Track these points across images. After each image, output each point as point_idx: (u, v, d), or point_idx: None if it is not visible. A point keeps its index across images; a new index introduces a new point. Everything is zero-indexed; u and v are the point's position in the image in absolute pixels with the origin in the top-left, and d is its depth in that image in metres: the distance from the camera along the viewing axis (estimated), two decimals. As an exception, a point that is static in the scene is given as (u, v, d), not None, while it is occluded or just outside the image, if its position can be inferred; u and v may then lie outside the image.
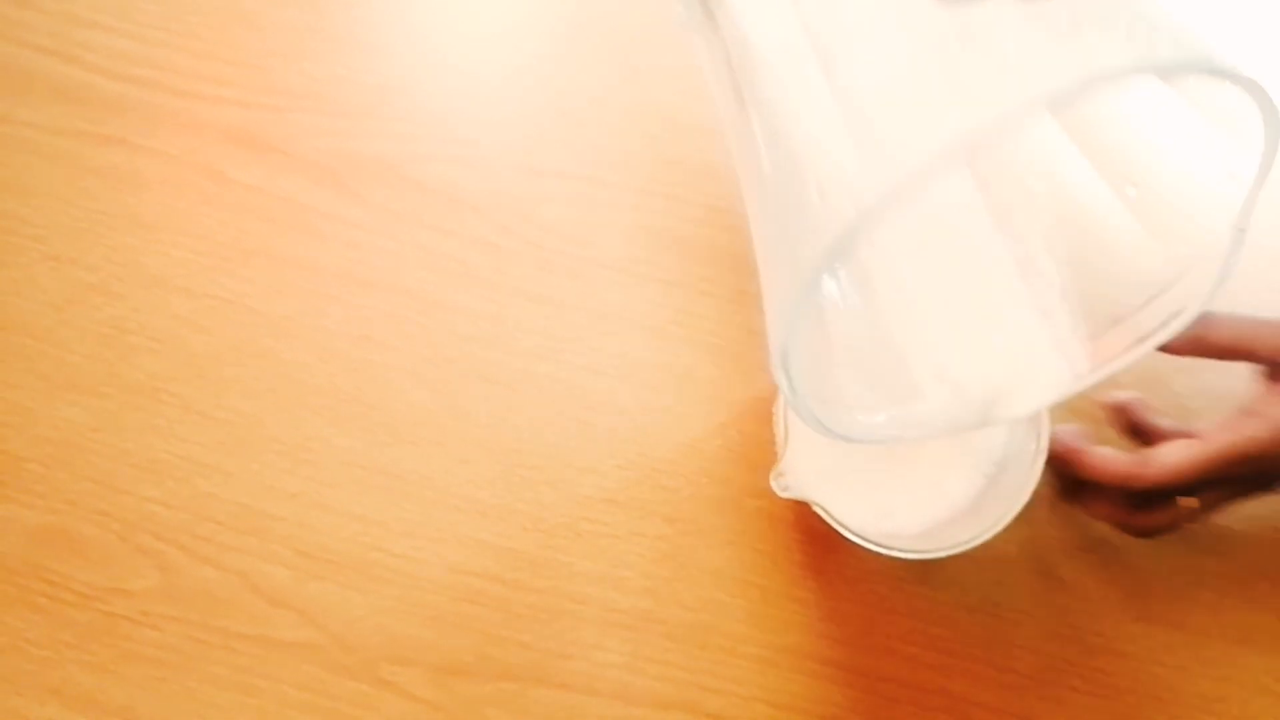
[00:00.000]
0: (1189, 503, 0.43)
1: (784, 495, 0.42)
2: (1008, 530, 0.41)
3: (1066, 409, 0.41)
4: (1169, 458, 0.42)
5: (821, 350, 0.33)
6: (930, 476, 0.45)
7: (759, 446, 0.49)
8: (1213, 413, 0.43)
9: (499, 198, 0.52)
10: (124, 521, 0.47)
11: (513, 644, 0.46)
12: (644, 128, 0.54)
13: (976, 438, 0.45)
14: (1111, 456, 0.43)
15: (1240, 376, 0.44)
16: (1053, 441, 0.43)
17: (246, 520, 0.47)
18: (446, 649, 0.46)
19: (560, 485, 0.48)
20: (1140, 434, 0.46)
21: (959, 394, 0.37)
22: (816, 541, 0.48)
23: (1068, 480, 0.45)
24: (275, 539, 0.47)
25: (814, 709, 0.46)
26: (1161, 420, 0.46)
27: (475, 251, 0.51)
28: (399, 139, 0.53)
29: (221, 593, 0.47)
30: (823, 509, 0.42)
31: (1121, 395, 0.47)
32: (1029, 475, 0.43)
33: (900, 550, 0.43)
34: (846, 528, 0.42)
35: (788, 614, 0.47)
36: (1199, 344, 0.41)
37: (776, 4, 0.32)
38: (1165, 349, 0.36)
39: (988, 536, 0.42)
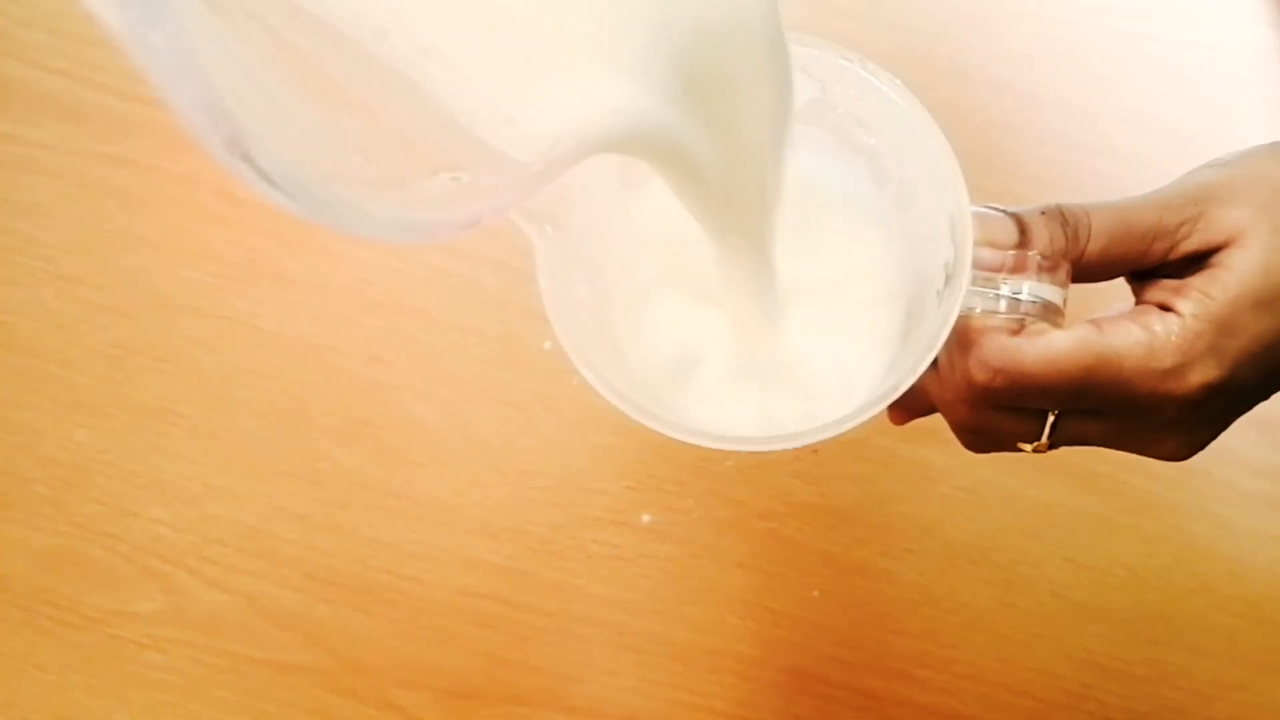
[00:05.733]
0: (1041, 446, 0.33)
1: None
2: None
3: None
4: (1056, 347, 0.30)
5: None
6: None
7: (769, 467, 0.49)
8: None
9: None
10: (131, 544, 0.47)
11: (522, 667, 0.46)
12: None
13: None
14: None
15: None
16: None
17: (254, 542, 0.47)
18: (455, 672, 0.46)
19: (570, 507, 0.48)
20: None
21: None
22: (828, 564, 0.48)
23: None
24: (283, 561, 0.47)
25: (826, 733, 0.46)
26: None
27: (485, 271, 0.51)
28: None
29: (229, 615, 0.46)
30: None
31: None
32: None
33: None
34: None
35: (799, 637, 0.47)
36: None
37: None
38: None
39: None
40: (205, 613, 0.46)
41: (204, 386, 0.49)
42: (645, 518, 0.48)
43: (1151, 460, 0.48)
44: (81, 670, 0.45)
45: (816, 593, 0.47)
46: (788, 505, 0.48)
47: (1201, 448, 0.32)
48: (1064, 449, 0.49)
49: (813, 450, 0.49)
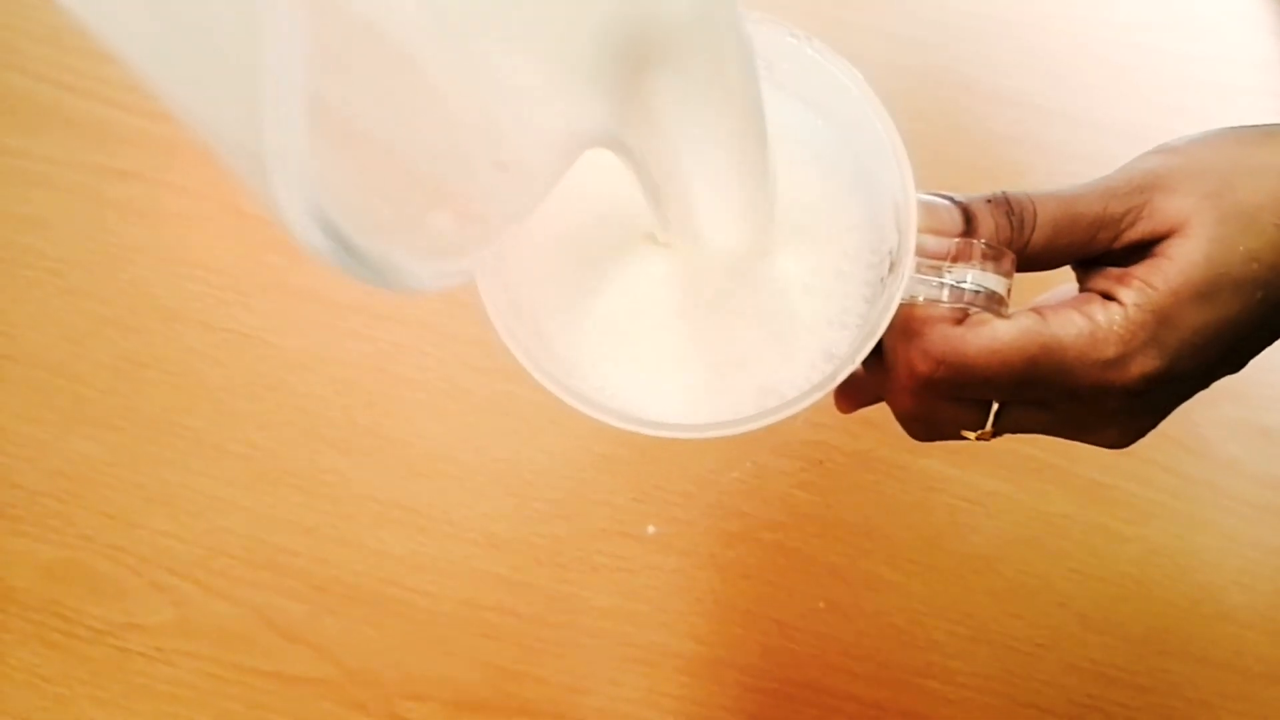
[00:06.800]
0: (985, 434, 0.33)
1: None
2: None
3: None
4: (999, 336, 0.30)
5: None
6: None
7: (775, 478, 0.49)
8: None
9: (513, 231, 0.52)
10: (138, 556, 0.47)
11: (528, 679, 0.46)
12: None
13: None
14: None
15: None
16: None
17: (261, 554, 0.47)
18: (462, 684, 0.46)
19: (575, 519, 0.48)
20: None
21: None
22: (833, 575, 0.48)
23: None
24: (290, 573, 0.47)
25: (832, 745, 0.46)
26: None
27: (490, 284, 0.51)
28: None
29: (236, 628, 0.46)
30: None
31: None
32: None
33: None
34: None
35: (804, 648, 0.47)
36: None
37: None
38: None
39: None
40: (212, 625, 0.46)
41: (210, 399, 0.50)
42: (650, 529, 0.48)
43: (1156, 471, 0.49)
44: (89, 683, 0.46)
45: (822, 604, 0.47)
46: (793, 517, 0.48)
47: (1142, 436, 0.32)
48: (1068, 459, 0.49)
49: (818, 461, 0.49)
